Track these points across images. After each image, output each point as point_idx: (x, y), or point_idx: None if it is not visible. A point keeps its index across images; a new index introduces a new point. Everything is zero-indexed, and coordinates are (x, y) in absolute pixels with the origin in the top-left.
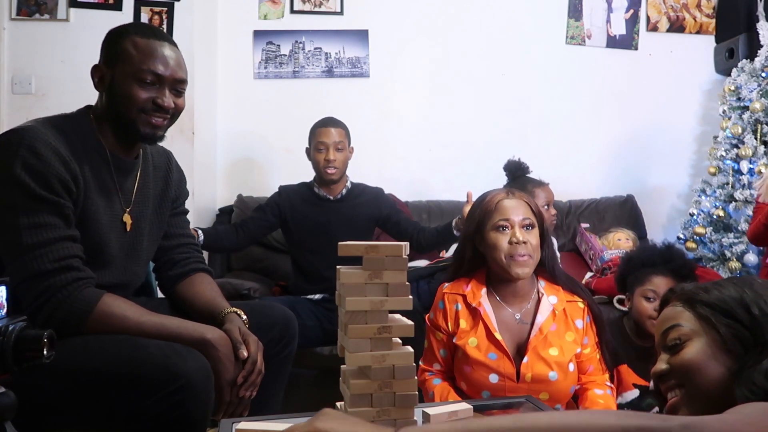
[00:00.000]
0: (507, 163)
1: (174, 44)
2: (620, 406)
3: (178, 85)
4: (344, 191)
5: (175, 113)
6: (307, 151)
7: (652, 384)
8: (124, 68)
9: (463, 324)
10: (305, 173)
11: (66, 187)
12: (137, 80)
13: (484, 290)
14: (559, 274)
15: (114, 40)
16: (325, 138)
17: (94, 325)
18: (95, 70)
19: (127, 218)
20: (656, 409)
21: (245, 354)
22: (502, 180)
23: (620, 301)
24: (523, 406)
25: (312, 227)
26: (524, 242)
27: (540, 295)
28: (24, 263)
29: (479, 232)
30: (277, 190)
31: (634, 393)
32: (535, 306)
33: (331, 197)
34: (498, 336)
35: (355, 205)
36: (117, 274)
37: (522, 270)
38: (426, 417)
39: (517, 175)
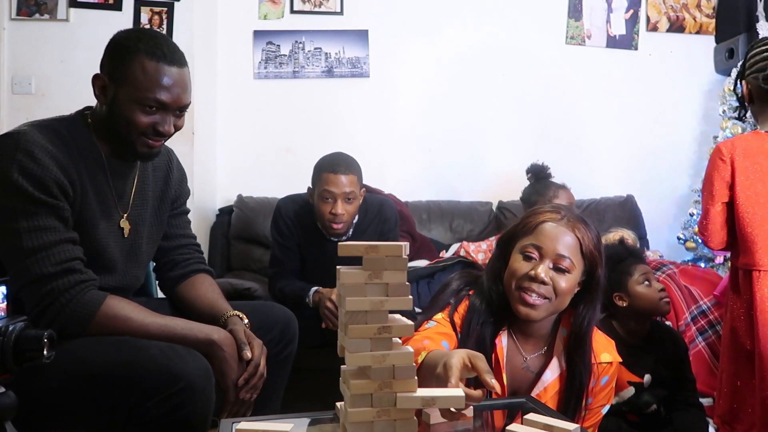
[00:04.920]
0: (531, 167)
1: (182, 63)
2: (618, 406)
3: (181, 109)
4: (350, 232)
5: (173, 133)
6: (310, 191)
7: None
8: (129, 91)
9: None
10: (305, 173)
11: (63, 190)
12: (141, 106)
13: (506, 328)
14: (587, 348)
15: (121, 55)
16: (333, 187)
17: (98, 328)
18: (97, 79)
19: (124, 223)
20: (654, 406)
21: (249, 355)
22: (501, 180)
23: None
24: (523, 406)
25: (314, 266)
26: (545, 282)
27: (555, 350)
28: (26, 267)
29: (510, 244)
30: (278, 199)
31: (630, 391)
32: (547, 358)
33: (336, 239)
34: (505, 379)
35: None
36: (117, 278)
37: (527, 311)
38: (426, 417)
39: (540, 177)
